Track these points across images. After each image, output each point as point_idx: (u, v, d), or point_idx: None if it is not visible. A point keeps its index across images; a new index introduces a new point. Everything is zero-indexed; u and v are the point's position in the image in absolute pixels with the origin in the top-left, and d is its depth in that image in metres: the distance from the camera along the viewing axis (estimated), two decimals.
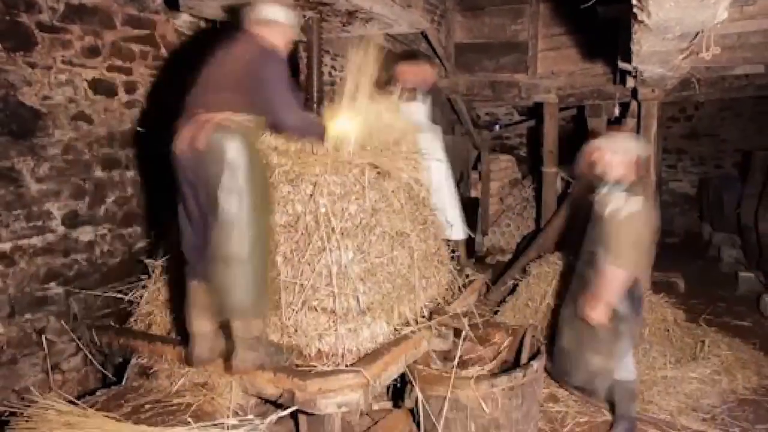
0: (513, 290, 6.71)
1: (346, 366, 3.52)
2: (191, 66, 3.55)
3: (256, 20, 3.56)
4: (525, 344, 4.40)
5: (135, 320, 4.36)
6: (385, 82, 5.53)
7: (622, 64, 5.48)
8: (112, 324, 4.46)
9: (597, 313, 4.03)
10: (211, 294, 3.44)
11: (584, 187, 4.69)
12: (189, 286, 3.53)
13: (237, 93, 3.34)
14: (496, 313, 6.34)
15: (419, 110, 5.70)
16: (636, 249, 3.99)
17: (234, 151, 3.22)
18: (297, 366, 3.59)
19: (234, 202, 3.21)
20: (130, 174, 5.09)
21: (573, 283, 4.52)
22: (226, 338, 3.53)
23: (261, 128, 3.57)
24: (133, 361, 4.11)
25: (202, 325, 3.52)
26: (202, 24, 5.66)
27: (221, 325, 3.54)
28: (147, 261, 4.58)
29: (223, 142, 3.22)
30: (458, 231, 5.76)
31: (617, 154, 4.06)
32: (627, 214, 3.92)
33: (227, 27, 4.77)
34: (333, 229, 3.68)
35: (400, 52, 6.47)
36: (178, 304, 4.04)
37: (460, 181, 9.33)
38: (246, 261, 3.26)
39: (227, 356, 3.49)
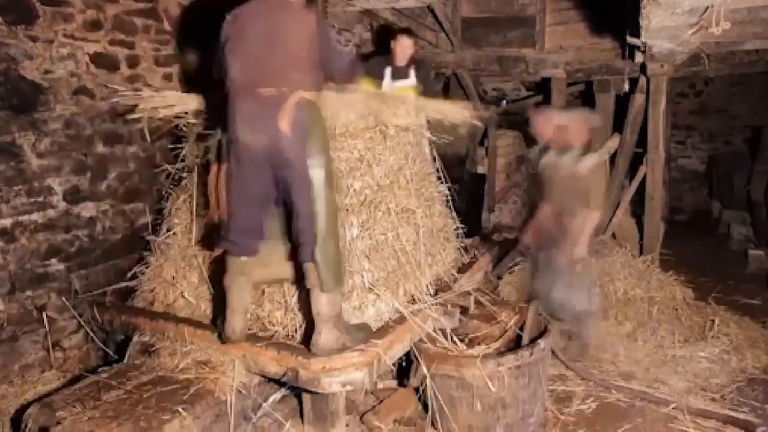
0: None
1: None
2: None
3: None
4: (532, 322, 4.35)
5: (137, 297, 4.33)
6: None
7: (631, 39, 5.42)
8: (114, 301, 4.43)
9: (582, 250, 4.99)
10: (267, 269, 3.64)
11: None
12: (235, 263, 3.48)
13: (305, 72, 3.32)
14: (497, 287, 6.31)
15: (412, 85, 5.63)
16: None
17: (318, 130, 3.32)
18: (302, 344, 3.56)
19: (322, 180, 3.29)
20: (132, 149, 5.03)
21: (545, 232, 5.32)
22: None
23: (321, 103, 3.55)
24: (135, 338, 4.07)
25: (244, 299, 3.50)
26: None
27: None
28: (149, 237, 4.53)
29: (308, 123, 3.26)
30: None
31: (579, 124, 5.07)
32: (596, 167, 5.02)
33: None
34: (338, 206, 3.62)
35: (397, 28, 6.32)
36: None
37: (466, 157, 9.25)
38: (333, 235, 3.37)
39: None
